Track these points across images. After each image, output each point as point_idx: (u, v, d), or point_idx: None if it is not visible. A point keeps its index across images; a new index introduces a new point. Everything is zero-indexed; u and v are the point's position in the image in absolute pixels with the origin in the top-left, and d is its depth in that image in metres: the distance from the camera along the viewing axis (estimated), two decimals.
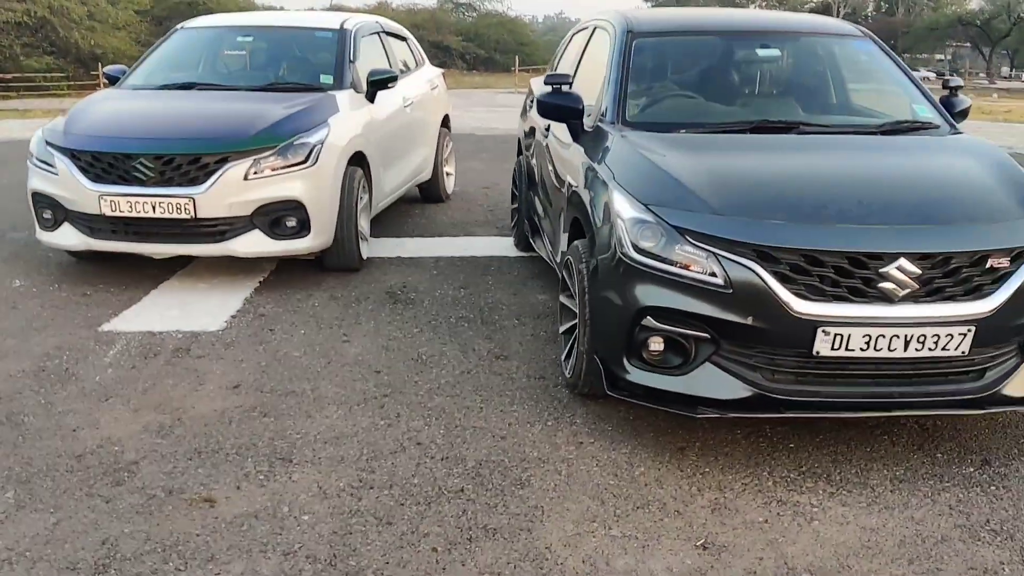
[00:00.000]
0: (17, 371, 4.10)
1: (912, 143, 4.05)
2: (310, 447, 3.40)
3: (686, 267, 3.20)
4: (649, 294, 3.27)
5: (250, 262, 5.59)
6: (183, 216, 5.11)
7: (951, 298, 3.15)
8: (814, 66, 4.73)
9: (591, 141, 4.11)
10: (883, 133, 4.11)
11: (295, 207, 5.25)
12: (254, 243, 5.25)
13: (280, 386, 3.96)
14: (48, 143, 5.40)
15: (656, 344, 3.30)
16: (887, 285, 3.09)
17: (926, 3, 78.91)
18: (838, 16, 74.35)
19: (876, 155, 3.87)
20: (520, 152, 6.47)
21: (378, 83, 6.20)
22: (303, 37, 6.69)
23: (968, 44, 75.57)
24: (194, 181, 5.11)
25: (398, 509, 2.98)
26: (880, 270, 3.09)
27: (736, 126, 4.04)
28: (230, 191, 5.10)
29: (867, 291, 3.09)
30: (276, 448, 3.39)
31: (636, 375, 3.37)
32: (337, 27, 6.56)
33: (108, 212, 5.15)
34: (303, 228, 5.31)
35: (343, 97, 5.91)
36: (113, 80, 6.45)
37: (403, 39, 7.83)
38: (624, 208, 3.41)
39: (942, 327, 3.12)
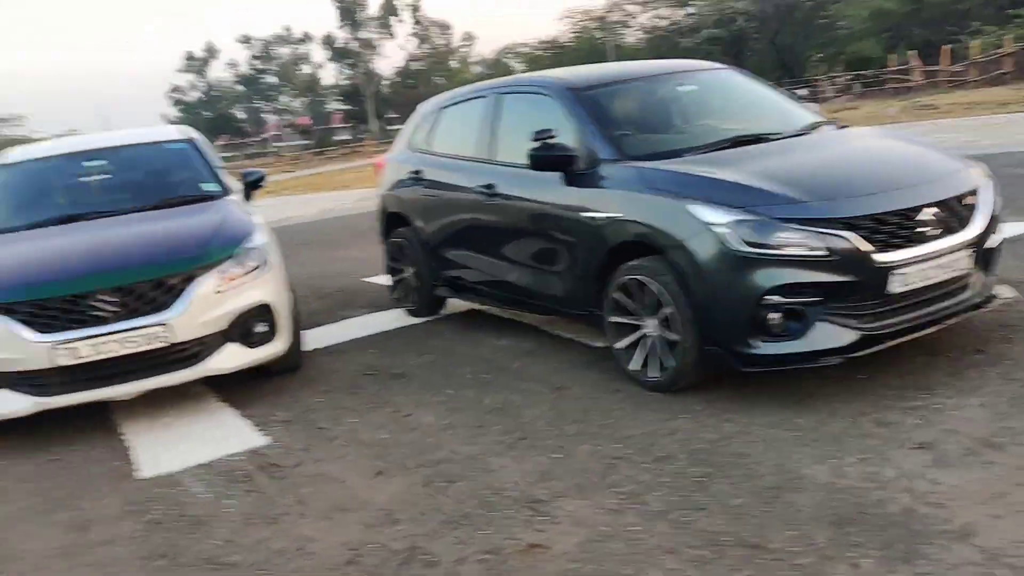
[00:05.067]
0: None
1: None
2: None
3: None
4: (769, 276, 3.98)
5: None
6: (157, 346, 4.77)
7: (952, 231, 4.25)
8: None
9: (603, 178, 4.69)
10: None
11: (265, 312, 5.14)
12: (231, 357, 5.03)
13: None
14: None
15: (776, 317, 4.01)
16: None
17: (444, 73, 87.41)
18: (367, 97, 79.77)
19: None
20: (388, 233, 6.77)
21: (253, 184, 6.16)
22: (152, 152, 6.38)
23: None
24: (164, 306, 4.81)
25: None
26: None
27: None
28: (204, 308, 4.88)
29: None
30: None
31: (764, 347, 4.05)
32: (184, 137, 6.40)
33: (65, 363, 4.64)
34: (273, 332, 5.20)
35: (236, 201, 5.83)
36: None
37: None
38: (715, 215, 4.08)
39: (958, 252, 4.23)
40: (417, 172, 6.36)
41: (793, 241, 3.96)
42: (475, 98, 6.03)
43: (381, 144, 78.96)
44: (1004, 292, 4.82)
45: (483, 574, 3.05)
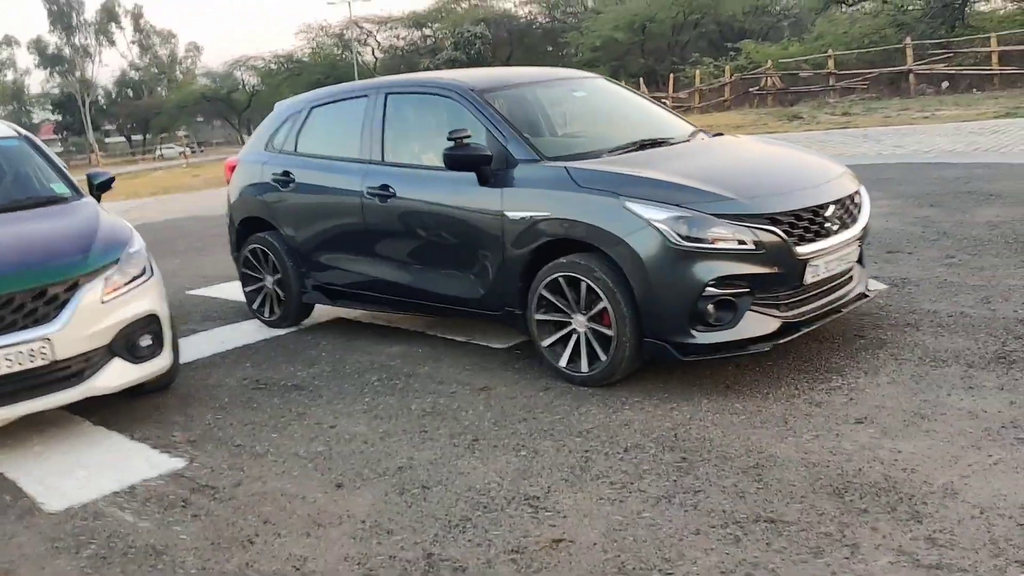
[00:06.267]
0: None
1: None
2: None
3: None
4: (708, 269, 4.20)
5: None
6: (37, 364, 4.22)
7: (847, 226, 4.69)
8: None
9: (522, 178, 4.73)
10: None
11: (152, 323, 4.69)
12: (118, 374, 4.53)
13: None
14: None
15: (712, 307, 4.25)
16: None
17: (165, 84, 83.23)
18: (84, 106, 74.22)
19: None
20: (242, 239, 6.40)
21: (101, 187, 5.60)
22: None
23: (218, 118, 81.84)
24: (44, 319, 4.27)
25: None
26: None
27: None
28: (90, 321, 4.37)
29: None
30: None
31: (701, 337, 4.27)
32: (15, 133, 5.69)
33: None
34: (160, 345, 4.76)
35: (95, 204, 5.29)
36: None
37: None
38: (654, 212, 4.25)
39: (851, 246, 4.68)
40: (285, 174, 6.04)
41: (726, 235, 4.20)
42: (354, 98, 5.84)
43: (111, 157, 73.70)
44: (873, 284, 5.36)
45: (517, 573, 2.97)
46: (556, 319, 4.64)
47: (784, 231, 4.29)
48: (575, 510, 3.35)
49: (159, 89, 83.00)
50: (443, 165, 5.05)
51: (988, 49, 24.22)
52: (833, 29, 32.07)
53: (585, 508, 3.35)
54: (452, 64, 56.48)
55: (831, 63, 27.60)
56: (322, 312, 6.56)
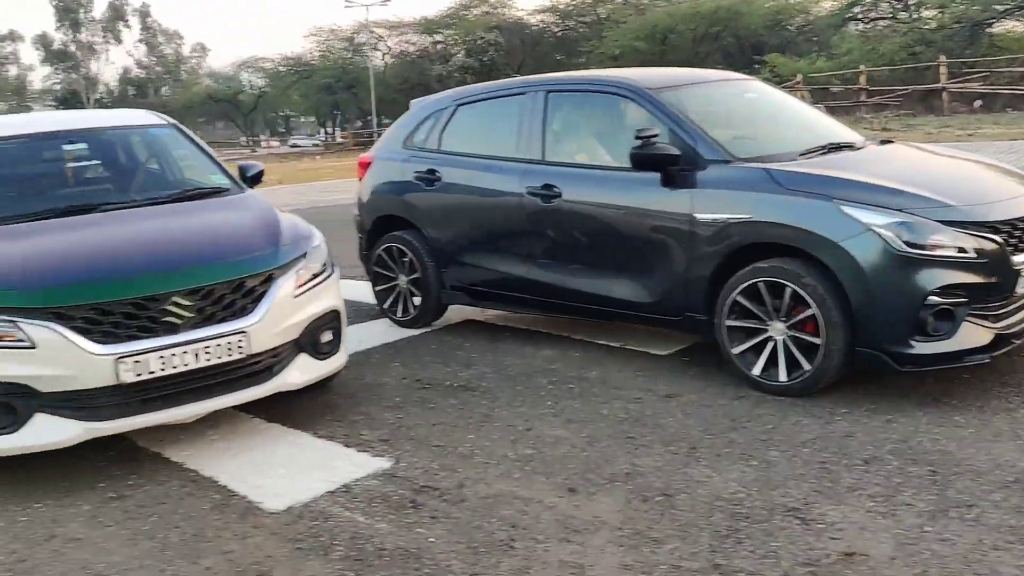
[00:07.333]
0: None
1: None
2: None
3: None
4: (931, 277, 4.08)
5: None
6: (233, 358, 4.08)
7: None
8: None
9: (712, 178, 4.60)
10: None
11: (334, 319, 4.56)
12: (304, 370, 4.40)
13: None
14: None
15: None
16: None
17: (171, 83, 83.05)
18: (89, 103, 73.78)
19: None
20: (374, 238, 6.27)
21: (254, 179, 5.46)
22: (140, 137, 5.45)
23: (221, 119, 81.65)
24: (242, 311, 4.13)
25: None
26: None
27: None
28: (282, 315, 4.24)
29: None
30: None
31: (920, 347, 4.14)
32: (165, 122, 5.55)
33: (129, 379, 3.84)
34: (338, 342, 4.62)
35: (262, 197, 5.16)
36: None
37: None
38: (873, 216, 4.13)
39: None
40: (430, 172, 5.90)
41: (947, 243, 4.08)
42: (508, 95, 5.70)
43: None
44: None
45: None
46: (750, 326, 4.50)
47: (1003, 239, 4.17)
48: (848, 523, 3.21)
49: (164, 89, 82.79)
50: (616, 165, 4.96)
51: (1021, 69, 24.24)
52: (860, 45, 32.07)
53: (858, 521, 3.22)
54: (465, 71, 56.47)
55: (862, 79, 27.59)
56: (452, 313, 6.41)
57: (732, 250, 4.52)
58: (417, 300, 6.12)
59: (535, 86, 5.56)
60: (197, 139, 5.53)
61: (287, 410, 4.66)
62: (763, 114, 5.56)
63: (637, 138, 4.67)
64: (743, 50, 43.49)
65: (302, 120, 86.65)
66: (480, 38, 56.72)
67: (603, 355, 5.37)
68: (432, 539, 3.29)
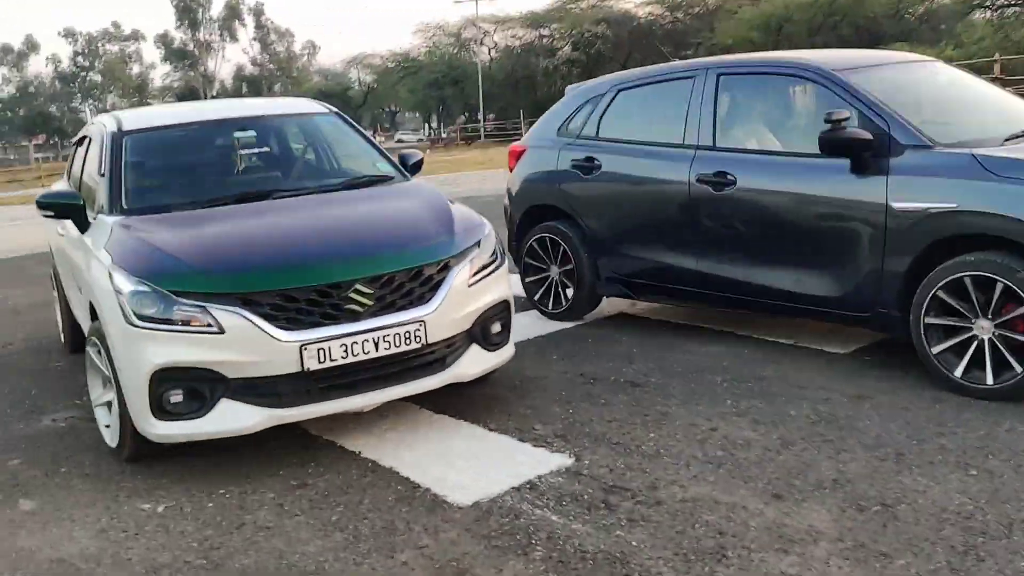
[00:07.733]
0: None
1: None
2: None
3: None
4: None
5: None
6: (411, 347, 3.97)
7: None
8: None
9: (910, 164, 4.29)
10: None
11: (503, 310, 4.42)
12: (476, 361, 4.28)
13: None
14: (179, 292, 3.73)
15: None
16: None
17: (285, 80, 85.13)
18: (205, 97, 76.14)
19: None
20: (525, 228, 6.12)
21: (415, 167, 5.36)
22: (305, 125, 5.45)
23: None
24: (421, 300, 4.02)
25: None
26: None
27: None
28: (457, 304, 4.12)
29: None
30: None
31: None
32: (327, 110, 5.52)
33: (314, 366, 3.77)
34: (507, 333, 4.47)
35: (431, 185, 5.07)
36: (59, 209, 4.59)
37: None
38: None
39: None
40: (588, 160, 5.72)
41: None
42: (674, 79, 5.47)
43: None
44: None
45: None
46: (951, 324, 4.18)
47: None
48: None
49: (276, 86, 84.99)
50: (797, 151, 4.68)
51: None
52: (992, 33, 30.53)
53: None
54: (572, 64, 56.14)
55: (996, 68, 26.23)
56: (604, 305, 6.22)
57: (932, 241, 4.20)
58: (569, 292, 5.94)
59: (705, 69, 5.31)
60: (359, 127, 5.47)
61: (453, 402, 4.55)
62: (954, 97, 5.18)
63: (827, 121, 4.38)
64: (861, 40, 41.97)
65: (407, 116, 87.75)
66: (587, 31, 56.26)
67: (776, 352, 5.10)
68: (635, 543, 3.11)
